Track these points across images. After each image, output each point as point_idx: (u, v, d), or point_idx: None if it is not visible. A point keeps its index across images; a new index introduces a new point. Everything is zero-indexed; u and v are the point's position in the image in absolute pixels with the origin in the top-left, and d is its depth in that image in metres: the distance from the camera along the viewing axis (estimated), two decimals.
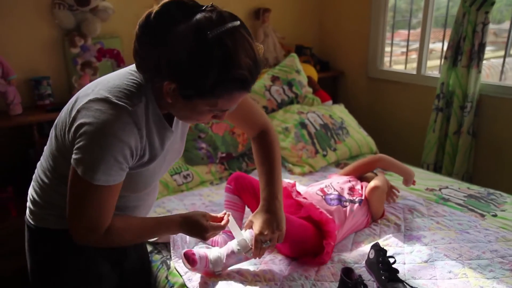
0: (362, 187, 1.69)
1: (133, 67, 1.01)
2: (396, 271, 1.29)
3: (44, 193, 1.08)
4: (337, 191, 1.62)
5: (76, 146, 0.92)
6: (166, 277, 1.40)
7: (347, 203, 1.58)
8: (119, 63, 2.35)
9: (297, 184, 1.66)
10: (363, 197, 1.64)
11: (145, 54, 0.93)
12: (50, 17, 2.15)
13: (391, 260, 1.32)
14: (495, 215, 1.71)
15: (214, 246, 1.45)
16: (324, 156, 2.22)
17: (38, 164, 1.15)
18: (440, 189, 1.96)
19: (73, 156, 0.93)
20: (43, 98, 2.14)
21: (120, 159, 0.93)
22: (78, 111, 0.93)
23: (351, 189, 1.66)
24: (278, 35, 2.99)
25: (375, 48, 2.98)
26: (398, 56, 3.13)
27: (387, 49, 2.99)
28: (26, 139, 2.10)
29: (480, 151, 2.51)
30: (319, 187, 1.63)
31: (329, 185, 1.65)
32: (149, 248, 1.53)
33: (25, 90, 2.14)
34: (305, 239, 1.40)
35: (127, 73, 1.00)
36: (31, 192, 1.13)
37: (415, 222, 1.65)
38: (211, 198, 1.90)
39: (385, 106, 3.01)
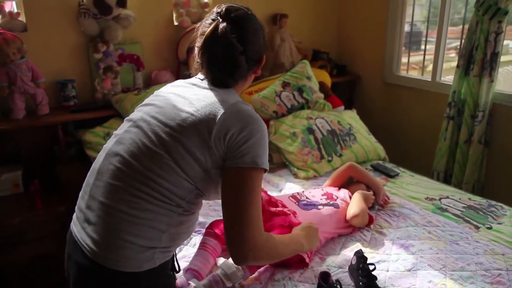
0: (342, 193, 1.77)
1: (199, 93, 1.16)
2: (375, 278, 1.36)
3: (152, 232, 1.06)
4: (309, 198, 1.70)
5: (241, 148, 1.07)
6: None
7: (322, 207, 1.65)
8: (139, 67, 2.50)
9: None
10: (341, 201, 1.71)
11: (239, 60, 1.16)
12: (76, 25, 2.32)
13: (371, 267, 1.39)
14: (490, 228, 1.73)
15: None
16: (329, 161, 2.28)
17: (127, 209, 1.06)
18: (440, 199, 1.98)
19: (238, 157, 1.06)
20: (68, 99, 2.32)
21: None
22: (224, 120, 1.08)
23: (325, 195, 1.74)
24: (295, 40, 3.05)
25: (391, 53, 3.00)
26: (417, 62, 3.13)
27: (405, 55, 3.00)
28: (52, 137, 2.28)
29: (493, 161, 2.49)
30: (291, 193, 1.72)
31: (300, 193, 1.74)
32: None
33: (53, 92, 2.33)
34: None
35: (215, 94, 1.15)
36: (127, 239, 1.05)
37: (407, 231, 1.70)
38: (217, 200, 2.01)
39: (399, 112, 3.03)
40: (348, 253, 1.56)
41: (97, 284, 1.07)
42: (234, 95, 1.18)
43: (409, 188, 2.10)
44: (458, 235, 1.66)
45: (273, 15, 2.97)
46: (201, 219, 1.75)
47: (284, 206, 1.59)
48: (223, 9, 1.19)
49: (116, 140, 1.15)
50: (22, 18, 2.23)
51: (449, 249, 1.57)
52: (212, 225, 1.58)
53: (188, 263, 1.47)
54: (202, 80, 1.21)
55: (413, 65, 3.09)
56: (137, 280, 1.07)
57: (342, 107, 2.75)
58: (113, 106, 2.33)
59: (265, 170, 1.12)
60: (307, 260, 1.47)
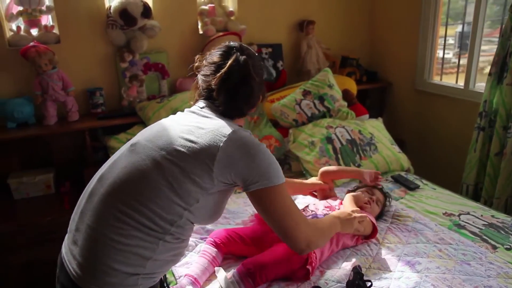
0: (340, 203, 1.74)
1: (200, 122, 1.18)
2: None
3: (139, 258, 1.07)
4: (313, 211, 1.67)
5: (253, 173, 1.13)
6: None
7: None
8: (164, 76, 2.59)
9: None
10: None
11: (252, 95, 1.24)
12: (105, 36, 2.44)
13: (368, 283, 1.35)
14: (509, 248, 1.62)
15: None
16: None
17: (114, 235, 1.07)
18: (459, 215, 1.88)
19: (254, 182, 1.13)
20: (96, 107, 2.45)
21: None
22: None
23: (327, 207, 1.70)
24: (323, 46, 3.02)
25: (423, 59, 2.88)
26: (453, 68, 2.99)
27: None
28: (81, 142, 2.42)
29: None
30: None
31: (306, 208, 1.71)
32: None
33: (83, 99, 2.47)
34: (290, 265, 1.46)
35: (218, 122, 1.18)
36: (112, 266, 1.05)
37: (416, 247, 1.63)
38: (228, 206, 2.02)
39: (430, 121, 2.90)
40: (350, 267, 1.53)
41: None
42: (233, 124, 1.20)
43: (428, 202, 2.01)
44: (471, 255, 1.57)
45: (300, 21, 2.96)
46: (209, 226, 1.79)
47: None
48: (238, 45, 1.25)
49: (111, 164, 1.18)
50: (56, 30, 2.38)
51: (458, 269, 1.49)
52: (214, 234, 1.61)
53: (188, 269, 1.51)
54: (202, 108, 1.23)
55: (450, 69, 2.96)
56: None
57: (367, 116, 2.68)
58: (137, 113, 2.42)
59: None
60: (311, 274, 1.46)
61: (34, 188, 2.33)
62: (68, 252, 1.13)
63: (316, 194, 1.89)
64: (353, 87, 2.82)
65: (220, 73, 1.19)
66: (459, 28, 2.87)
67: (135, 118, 2.44)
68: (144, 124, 2.37)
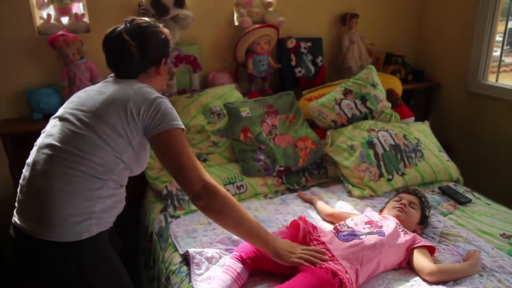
0: (383, 217, 1.56)
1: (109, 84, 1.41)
2: None
3: (87, 202, 1.24)
4: (351, 227, 1.50)
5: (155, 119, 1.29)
6: None
7: (364, 236, 1.44)
8: (195, 69, 2.45)
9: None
10: (386, 228, 1.49)
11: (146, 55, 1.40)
12: None
13: None
14: None
15: None
16: (389, 180, 2.04)
17: (59, 186, 1.23)
18: None
19: (157, 124, 1.28)
20: None
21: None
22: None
23: (368, 223, 1.52)
24: (367, 41, 2.81)
25: (477, 58, 2.62)
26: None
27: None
28: None
29: None
30: (334, 226, 1.53)
31: (342, 224, 1.54)
32: (179, 259, 1.59)
33: None
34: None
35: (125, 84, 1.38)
36: (64, 211, 1.22)
37: (470, 276, 1.42)
38: (257, 213, 1.88)
39: (483, 127, 2.64)
40: None
41: (43, 258, 1.23)
42: (138, 83, 1.38)
43: (481, 220, 1.79)
44: None
45: (342, 15, 2.76)
46: (235, 237, 1.63)
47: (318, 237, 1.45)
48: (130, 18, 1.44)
49: (45, 135, 1.32)
50: (86, 19, 2.29)
51: None
52: (240, 247, 1.47)
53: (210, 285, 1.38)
54: (110, 77, 1.45)
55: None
56: (78, 248, 1.22)
57: (412, 119, 2.46)
58: None
59: (183, 130, 1.33)
60: None
61: None
62: (21, 218, 1.26)
63: None
64: (398, 86, 2.60)
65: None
66: (510, 25, 2.57)
67: None
68: None
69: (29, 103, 2.19)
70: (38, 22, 2.23)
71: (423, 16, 2.97)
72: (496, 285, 1.38)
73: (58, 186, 1.21)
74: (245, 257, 1.43)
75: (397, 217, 1.59)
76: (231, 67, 2.59)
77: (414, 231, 1.59)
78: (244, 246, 1.47)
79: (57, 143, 1.25)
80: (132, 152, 1.31)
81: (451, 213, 1.86)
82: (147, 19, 1.45)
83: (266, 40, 2.47)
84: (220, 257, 1.55)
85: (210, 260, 1.53)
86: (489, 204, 1.94)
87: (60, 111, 1.38)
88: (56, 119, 1.35)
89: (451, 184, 2.12)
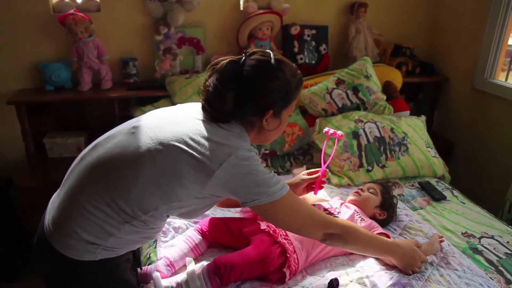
0: (345, 206, 1.61)
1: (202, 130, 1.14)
2: None
3: (102, 232, 1.10)
4: None
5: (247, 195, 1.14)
6: None
7: None
8: (198, 51, 2.56)
9: None
10: (342, 215, 1.56)
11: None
12: (143, 7, 2.45)
13: None
14: None
15: None
16: (368, 171, 2.08)
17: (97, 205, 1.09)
18: (480, 237, 1.67)
19: (251, 199, 1.14)
20: (129, 77, 2.50)
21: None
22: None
23: (328, 209, 1.59)
24: (375, 31, 2.79)
25: (486, 55, 2.55)
26: None
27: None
28: (112, 110, 2.48)
29: None
30: None
31: None
32: None
33: (118, 68, 2.53)
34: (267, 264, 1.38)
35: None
36: (75, 229, 1.09)
37: None
38: None
39: (485, 125, 2.58)
40: (332, 277, 1.43)
41: (45, 261, 1.17)
42: (238, 138, 1.16)
43: (449, 217, 1.81)
44: (476, 287, 1.38)
45: (351, 3, 2.75)
46: (208, 212, 1.75)
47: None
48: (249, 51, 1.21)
49: (108, 136, 1.20)
50: None
51: None
52: (203, 221, 1.59)
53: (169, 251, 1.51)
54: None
55: None
56: (76, 267, 1.12)
57: (407, 112, 2.45)
58: (166, 87, 2.43)
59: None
60: (287, 278, 1.39)
61: (66, 149, 2.46)
62: (51, 204, 1.19)
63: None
64: (398, 79, 2.58)
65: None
66: None
67: (165, 91, 2.45)
68: (170, 98, 2.39)
69: (42, 76, 2.38)
70: (54, 0, 2.40)
71: (437, 7, 2.90)
72: (437, 279, 1.41)
73: (82, 200, 1.09)
74: (205, 229, 1.55)
75: (353, 202, 1.65)
76: (235, 50, 2.67)
77: (373, 215, 1.64)
78: (206, 221, 1.59)
79: (109, 155, 1.13)
80: (188, 203, 1.17)
81: (422, 208, 1.89)
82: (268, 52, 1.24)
83: (268, 26, 2.53)
84: (187, 228, 1.68)
85: (176, 229, 1.66)
86: (464, 203, 1.94)
87: (139, 119, 1.23)
88: (131, 126, 1.20)
89: (433, 181, 2.13)
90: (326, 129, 1.61)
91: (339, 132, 1.59)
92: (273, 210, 1.17)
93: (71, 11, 2.28)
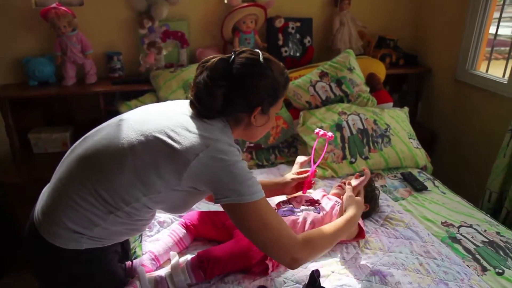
0: (327, 198, 1.63)
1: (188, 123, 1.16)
2: None
3: (88, 222, 1.12)
4: (291, 204, 1.59)
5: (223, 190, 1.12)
6: None
7: (300, 213, 1.54)
8: (183, 45, 2.56)
9: None
10: (321, 207, 1.58)
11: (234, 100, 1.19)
12: (126, 0, 2.44)
13: None
14: (500, 273, 1.46)
15: None
16: (351, 163, 2.11)
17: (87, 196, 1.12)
18: (459, 227, 1.72)
19: (223, 195, 1.12)
20: (114, 71, 2.49)
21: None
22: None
23: (310, 201, 1.61)
24: (359, 23, 2.81)
25: (467, 46, 2.59)
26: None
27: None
28: (97, 104, 2.47)
29: None
30: (276, 201, 1.62)
31: (286, 200, 1.64)
32: None
33: (103, 63, 2.52)
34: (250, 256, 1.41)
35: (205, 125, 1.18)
36: (62, 219, 1.12)
37: (395, 258, 1.51)
38: None
39: (467, 116, 2.63)
40: (313, 269, 1.46)
41: (34, 250, 1.19)
42: (218, 130, 1.18)
43: (429, 207, 1.86)
44: (453, 274, 1.43)
45: None
46: (194, 207, 1.77)
47: None
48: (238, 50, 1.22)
49: (97, 129, 1.23)
50: None
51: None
52: (187, 215, 1.61)
53: (154, 245, 1.53)
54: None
55: None
56: (62, 255, 1.14)
57: (390, 104, 2.49)
58: (150, 81, 2.43)
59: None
60: (270, 269, 1.42)
61: (52, 144, 2.46)
62: (42, 194, 1.22)
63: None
64: (381, 71, 2.62)
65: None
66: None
67: (150, 85, 2.45)
68: (155, 92, 2.39)
69: (25, 70, 2.36)
70: None
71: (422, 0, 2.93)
72: (416, 268, 1.46)
73: (70, 191, 1.12)
74: (189, 223, 1.57)
75: (336, 195, 1.68)
76: (219, 43, 2.68)
77: None
78: (191, 214, 1.61)
79: (95, 148, 1.16)
80: (168, 196, 1.18)
81: (403, 199, 1.93)
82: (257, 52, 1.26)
83: (252, 19, 2.54)
84: (172, 222, 1.70)
85: (161, 224, 1.68)
86: (444, 193, 1.99)
87: (126, 114, 1.26)
88: (118, 119, 1.23)
89: (416, 171, 2.17)
90: (316, 130, 1.65)
91: (329, 134, 1.63)
92: (241, 213, 1.13)
93: (54, 5, 2.25)
